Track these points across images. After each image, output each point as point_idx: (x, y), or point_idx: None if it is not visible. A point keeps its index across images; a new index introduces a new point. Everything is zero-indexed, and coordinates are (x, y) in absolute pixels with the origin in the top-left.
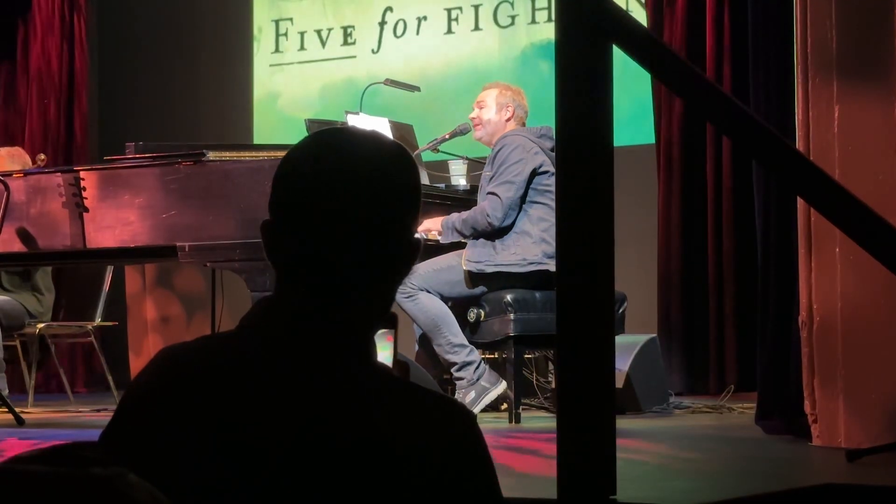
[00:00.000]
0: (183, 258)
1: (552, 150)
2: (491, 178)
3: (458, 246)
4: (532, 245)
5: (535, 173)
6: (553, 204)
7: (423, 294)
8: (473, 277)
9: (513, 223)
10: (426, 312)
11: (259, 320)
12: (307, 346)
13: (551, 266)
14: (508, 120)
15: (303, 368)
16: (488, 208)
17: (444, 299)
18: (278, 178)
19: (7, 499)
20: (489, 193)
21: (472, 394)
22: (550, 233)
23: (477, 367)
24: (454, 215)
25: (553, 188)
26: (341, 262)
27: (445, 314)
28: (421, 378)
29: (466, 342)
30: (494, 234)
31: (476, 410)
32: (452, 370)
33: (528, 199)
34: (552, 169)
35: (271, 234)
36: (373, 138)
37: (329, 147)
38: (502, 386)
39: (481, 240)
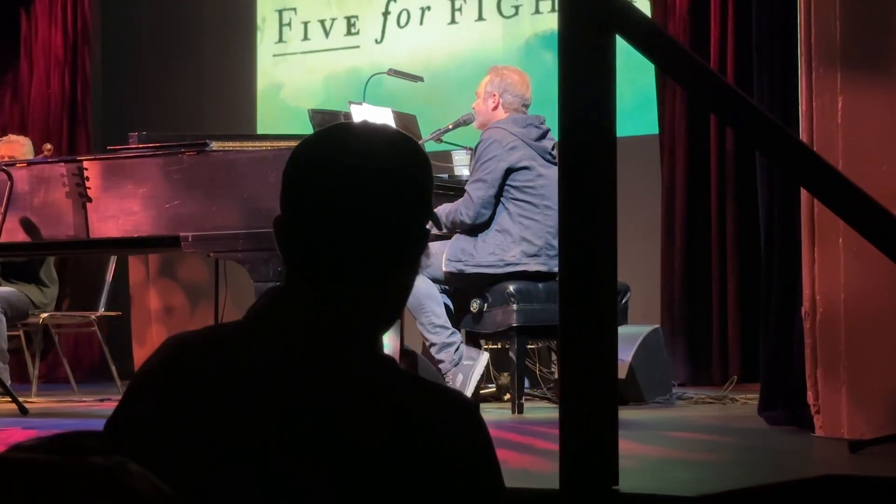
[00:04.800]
0: (186, 248)
1: (539, 138)
2: (470, 174)
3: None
4: (511, 245)
5: (511, 171)
6: (536, 200)
7: None
8: (454, 277)
9: (491, 219)
10: (413, 290)
11: (267, 311)
12: (316, 338)
13: (530, 265)
14: (495, 109)
15: (311, 359)
16: (462, 207)
17: (434, 281)
18: (287, 174)
19: (7, 488)
20: (466, 190)
21: (460, 376)
22: (532, 231)
23: (457, 349)
24: (443, 207)
25: (535, 183)
26: (351, 256)
27: (432, 295)
28: (425, 370)
29: (449, 325)
30: (475, 228)
31: (469, 391)
32: (432, 350)
33: (508, 195)
34: (534, 163)
35: (282, 230)
36: (382, 132)
37: (337, 142)
38: (485, 357)
39: (463, 235)
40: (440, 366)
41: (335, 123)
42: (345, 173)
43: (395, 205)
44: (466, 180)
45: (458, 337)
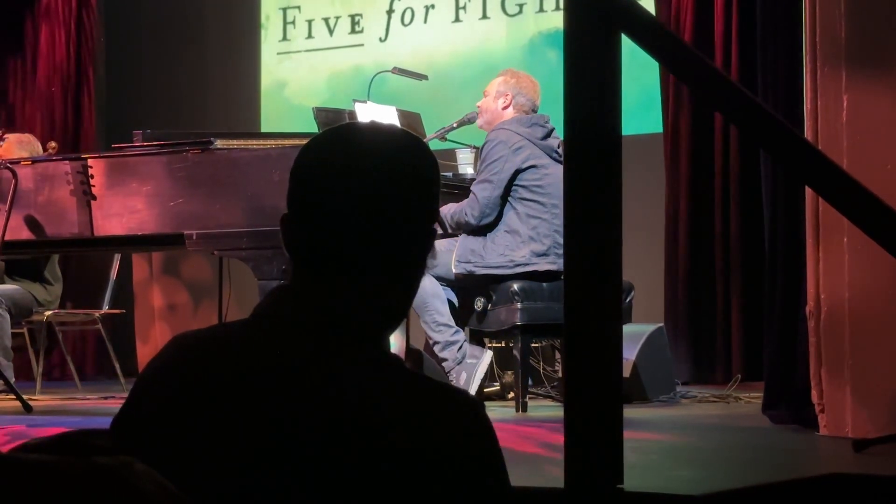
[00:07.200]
0: (190, 246)
1: (545, 138)
2: (476, 174)
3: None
4: (520, 245)
5: (518, 172)
6: (544, 200)
7: None
8: (464, 278)
9: (499, 219)
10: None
11: (274, 309)
12: (322, 337)
13: (540, 265)
14: (505, 108)
15: (317, 359)
16: (466, 207)
17: (439, 279)
18: (295, 173)
19: (13, 488)
20: (471, 191)
21: (464, 374)
22: (540, 230)
23: (460, 348)
24: (447, 207)
25: (542, 182)
26: (357, 255)
27: (436, 293)
28: (430, 369)
29: (453, 323)
30: (482, 228)
31: (473, 389)
32: (436, 349)
33: (515, 195)
34: (540, 162)
35: (289, 228)
36: (389, 132)
37: (345, 141)
38: (488, 355)
39: (471, 237)
40: (443, 364)
41: (343, 123)
42: (352, 172)
43: (403, 204)
44: (471, 179)
45: (462, 335)
